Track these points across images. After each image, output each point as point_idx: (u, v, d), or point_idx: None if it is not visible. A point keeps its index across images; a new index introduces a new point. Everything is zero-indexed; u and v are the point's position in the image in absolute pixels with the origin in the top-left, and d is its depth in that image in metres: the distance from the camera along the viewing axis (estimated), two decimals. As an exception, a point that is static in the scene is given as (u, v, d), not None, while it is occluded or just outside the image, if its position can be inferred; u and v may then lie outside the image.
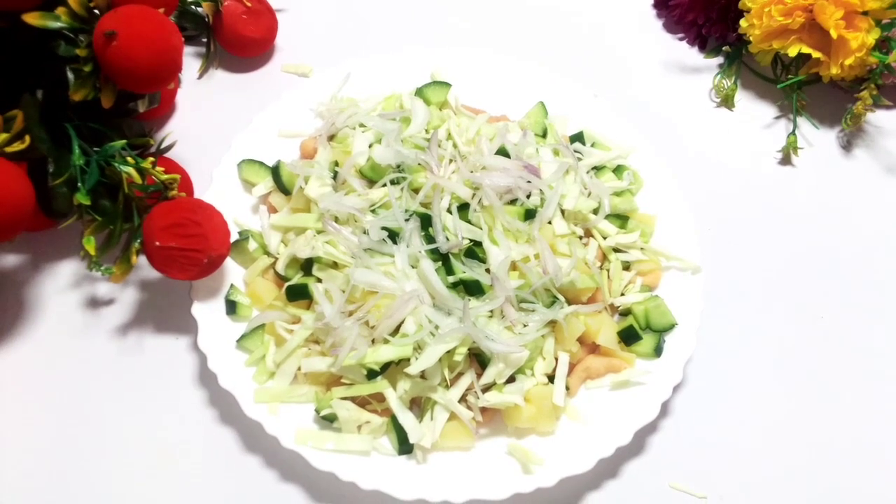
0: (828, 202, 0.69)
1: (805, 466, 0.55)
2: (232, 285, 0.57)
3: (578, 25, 0.80)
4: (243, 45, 0.74)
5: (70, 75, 0.55)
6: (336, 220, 0.57)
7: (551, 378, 0.54)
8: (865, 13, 0.68)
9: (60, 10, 0.52)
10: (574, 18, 0.81)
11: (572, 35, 0.80)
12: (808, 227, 0.67)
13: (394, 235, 0.55)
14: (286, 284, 0.56)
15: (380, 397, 0.52)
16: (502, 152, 0.60)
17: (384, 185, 0.58)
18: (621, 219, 0.60)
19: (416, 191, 0.57)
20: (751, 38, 0.72)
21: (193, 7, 0.74)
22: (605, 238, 0.59)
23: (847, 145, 0.73)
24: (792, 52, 0.69)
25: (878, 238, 0.67)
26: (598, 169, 0.64)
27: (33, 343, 0.59)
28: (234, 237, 0.58)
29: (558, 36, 0.79)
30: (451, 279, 0.54)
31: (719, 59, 0.78)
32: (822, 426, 0.57)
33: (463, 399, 0.53)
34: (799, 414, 0.57)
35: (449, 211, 0.56)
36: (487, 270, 0.54)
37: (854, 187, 0.70)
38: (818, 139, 0.73)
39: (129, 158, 0.55)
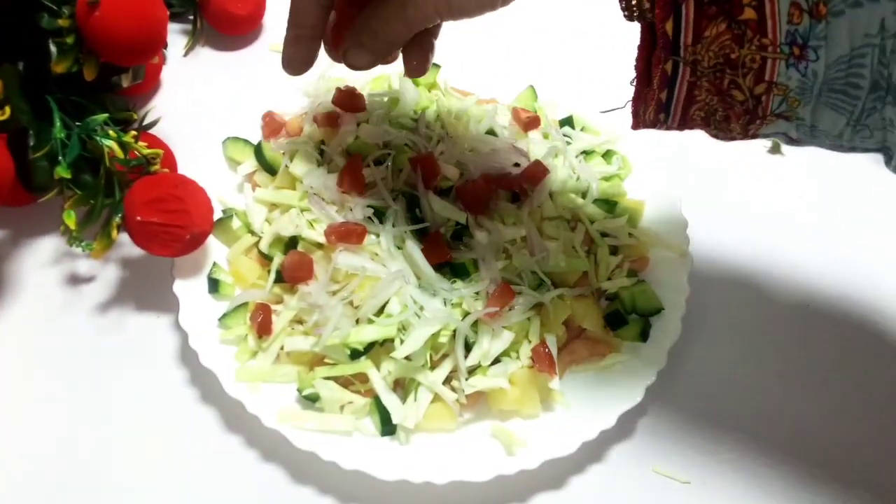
0: (816, 192, 0.69)
1: (789, 453, 0.55)
2: (215, 263, 0.57)
3: (565, 13, 0.80)
4: (230, 22, 0.73)
5: (52, 48, 0.54)
6: (323, 198, 0.56)
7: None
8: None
9: (43, -21, 0.51)
10: (564, 10, 0.80)
11: (559, 23, 0.79)
12: (797, 216, 0.67)
13: (379, 215, 0.55)
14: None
15: (363, 378, 0.52)
16: (491, 134, 0.59)
17: (368, 165, 0.57)
18: (609, 203, 0.60)
19: (402, 171, 0.57)
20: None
21: (180, -17, 0.73)
22: (592, 222, 0.59)
23: (836, 135, 0.73)
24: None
25: (865, 228, 0.67)
26: (587, 153, 0.64)
27: (11, 320, 0.58)
28: (218, 215, 0.58)
29: (547, 25, 0.79)
30: (436, 260, 0.54)
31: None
32: (806, 413, 0.57)
33: (447, 381, 0.52)
34: (784, 401, 0.57)
35: (436, 191, 0.56)
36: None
37: (843, 177, 0.70)
38: (807, 129, 0.73)
39: (111, 132, 0.54)
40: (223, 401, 0.52)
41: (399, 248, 0.54)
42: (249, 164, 0.61)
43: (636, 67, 0.40)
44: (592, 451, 0.51)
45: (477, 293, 0.53)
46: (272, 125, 0.63)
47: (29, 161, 0.54)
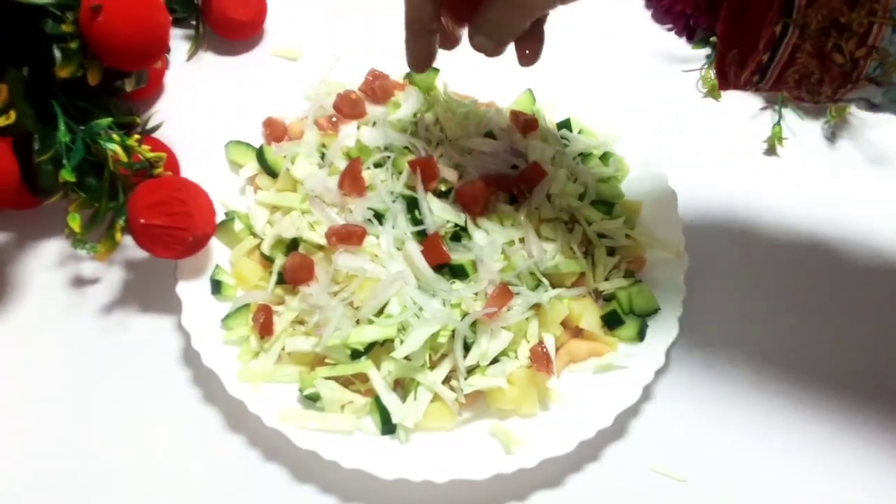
0: (812, 192, 0.69)
1: (785, 451, 0.55)
2: (217, 265, 0.57)
3: (567, 14, 0.80)
4: (232, 27, 0.74)
5: (57, 53, 0.55)
6: (324, 201, 0.57)
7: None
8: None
9: (47, -14, 0.52)
10: (562, 7, 0.81)
11: (561, 24, 0.80)
12: (792, 217, 0.68)
13: (379, 217, 0.56)
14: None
15: (363, 378, 0.53)
16: (489, 137, 0.60)
17: (368, 167, 0.58)
18: (607, 205, 0.61)
19: (402, 173, 0.58)
20: (738, 29, 0.72)
21: (183, -12, 0.74)
22: (590, 223, 0.59)
23: (832, 136, 0.74)
24: (779, 42, 0.70)
25: (861, 228, 0.67)
26: (584, 155, 0.64)
27: (16, 322, 0.58)
28: (220, 218, 0.58)
29: (551, 34, 0.79)
30: (435, 261, 0.54)
31: (707, 51, 0.78)
32: (802, 412, 0.57)
33: (446, 381, 0.53)
34: (779, 399, 0.58)
35: (435, 193, 0.57)
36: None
37: (838, 178, 0.71)
38: (803, 130, 0.74)
39: (114, 136, 0.55)
40: (225, 401, 0.53)
41: (399, 249, 0.55)
42: (251, 167, 0.62)
43: (720, 31, 0.40)
44: (590, 450, 0.52)
45: (476, 294, 0.54)
46: (274, 129, 0.63)
47: (34, 165, 0.54)
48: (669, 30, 0.81)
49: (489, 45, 0.48)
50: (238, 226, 0.59)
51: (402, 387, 0.53)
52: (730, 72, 0.40)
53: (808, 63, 0.35)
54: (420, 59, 0.50)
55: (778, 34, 0.34)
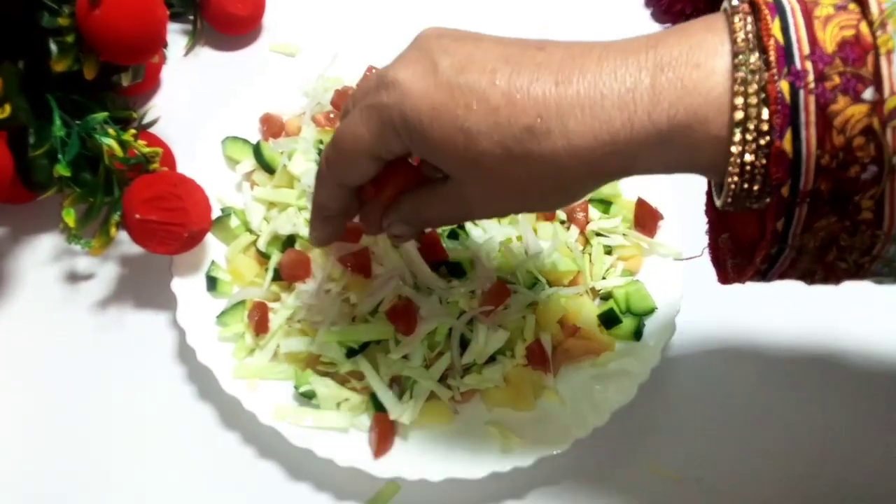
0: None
1: (781, 450, 0.55)
2: (213, 261, 0.57)
3: (566, 13, 0.80)
4: (230, 22, 0.74)
5: (53, 47, 0.55)
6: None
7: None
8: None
9: (43, -21, 0.51)
10: (562, 6, 0.81)
11: (559, 22, 0.80)
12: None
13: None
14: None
15: (359, 375, 0.52)
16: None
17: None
18: (604, 203, 0.61)
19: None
20: (737, 29, 0.72)
21: (180, -17, 0.74)
22: (587, 222, 0.59)
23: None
24: (778, 42, 0.69)
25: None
26: (582, 154, 0.64)
27: (10, 317, 0.58)
28: (216, 214, 0.58)
29: (545, 22, 0.79)
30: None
31: (706, 50, 0.78)
32: (799, 411, 0.57)
33: (443, 379, 0.53)
34: (776, 399, 0.57)
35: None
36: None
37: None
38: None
39: (110, 131, 0.54)
40: (220, 398, 0.52)
41: (396, 246, 0.54)
42: (248, 163, 0.62)
43: (708, 217, 0.41)
44: (586, 449, 0.52)
45: (473, 292, 0.53)
46: (271, 125, 0.63)
47: (29, 159, 0.54)
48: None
49: (409, 233, 0.45)
50: (234, 222, 0.59)
51: (399, 384, 0.53)
52: (727, 263, 0.40)
53: (811, 267, 0.35)
54: (323, 240, 0.47)
55: (773, 253, 0.34)
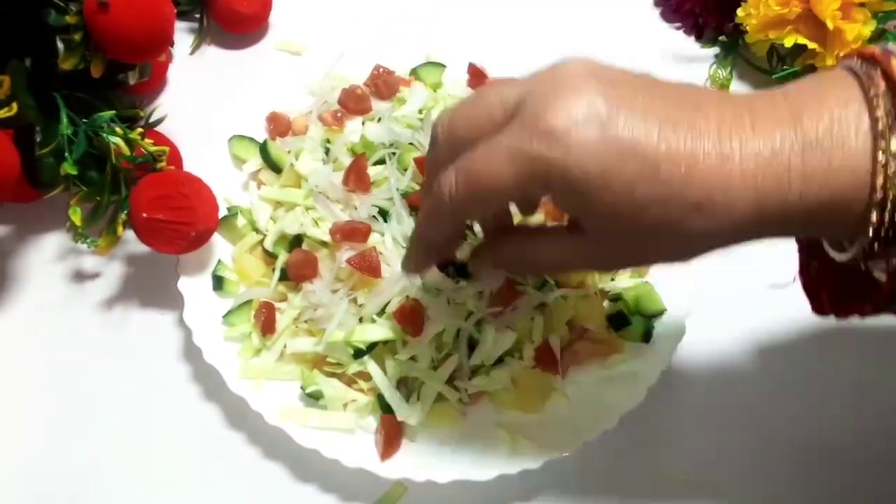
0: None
1: (792, 453, 0.55)
2: (219, 261, 0.57)
3: (575, 12, 0.80)
4: (236, 20, 0.73)
5: (60, 45, 0.54)
6: (328, 197, 0.56)
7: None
8: (862, 5, 0.68)
9: (51, -23, 0.51)
10: (571, 5, 0.80)
11: (569, 22, 0.79)
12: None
13: (384, 213, 0.55)
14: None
15: (366, 376, 0.52)
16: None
17: (373, 164, 0.57)
18: (614, 204, 0.60)
19: (407, 170, 0.57)
20: (747, 28, 0.72)
21: (187, -19, 0.73)
22: (596, 223, 0.59)
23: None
24: (788, 42, 0.69)
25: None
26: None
27: (16, 316, 0.58)
28: (223, 213, 0.58)
29: (555, 22, 0.79)
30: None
31: (716, 50, 0.78)
32: (810, 415, 0.57)
33: (450, 380, 0.52)
34: (786, 400, 0.57)
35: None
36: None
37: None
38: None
39: (117, 129, 0.54)
40: (226, 398, 0.52)
41: (403, 246, 0.54)
42: (255, 162, 0.61)
43: (800, 257, 0.43)
44: (594, 451, 0.51)
45: (481, 293, 0.53)
46: (278, 124, 0.63)
47: (35, 157, 0.54)
48: (678, 28, 0.80)
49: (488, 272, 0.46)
50: (241, 221, 0.59)
51: (406, 386, 0.53)
52: (822, 296, 0.42)
53: None
54: (418, 270, 0.46)
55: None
